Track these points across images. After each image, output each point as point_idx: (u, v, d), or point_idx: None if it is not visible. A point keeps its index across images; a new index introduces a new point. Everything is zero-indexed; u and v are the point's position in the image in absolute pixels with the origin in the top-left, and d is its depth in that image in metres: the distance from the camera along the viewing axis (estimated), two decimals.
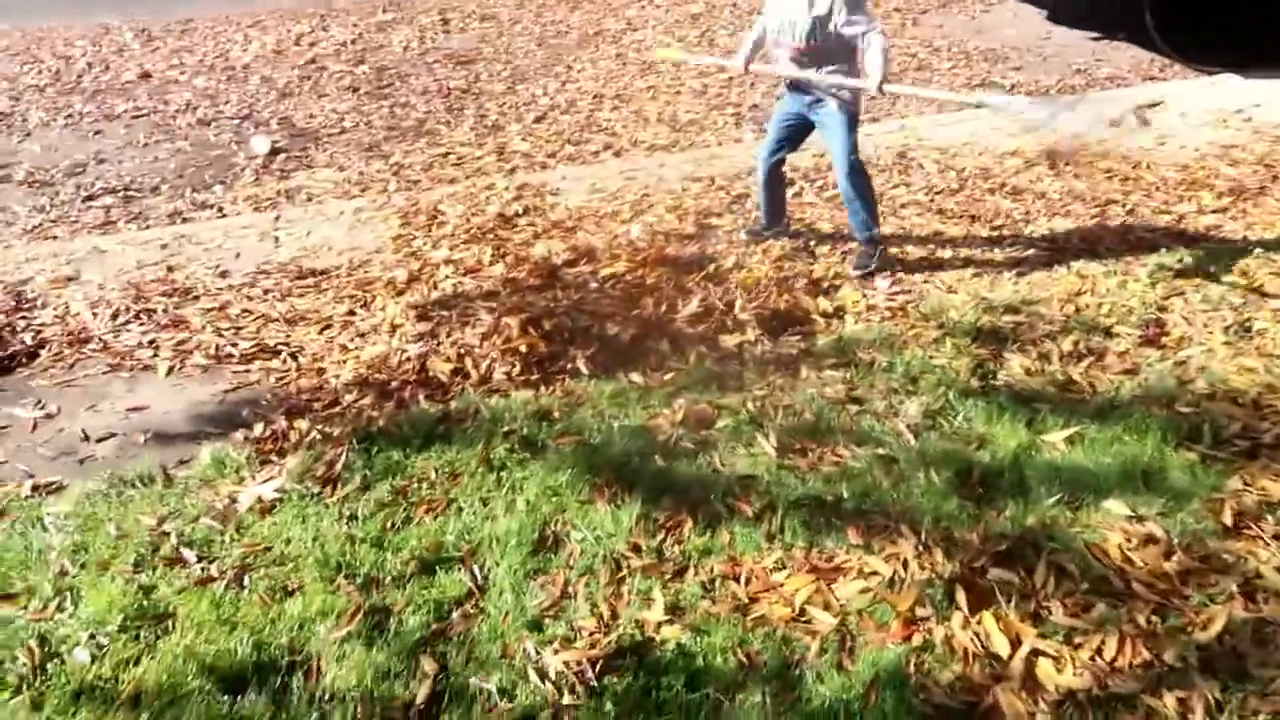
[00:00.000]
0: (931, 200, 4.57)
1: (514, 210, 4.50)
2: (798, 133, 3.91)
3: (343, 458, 2.76)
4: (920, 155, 5.10)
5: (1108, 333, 3.37)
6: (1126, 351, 3.27)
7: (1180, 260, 3.88)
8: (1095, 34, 7.41)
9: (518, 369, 3.23)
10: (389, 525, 2.52)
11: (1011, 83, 6.53)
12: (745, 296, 3.63)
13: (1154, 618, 2.16)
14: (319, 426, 2.97)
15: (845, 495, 2.58)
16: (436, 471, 2.74)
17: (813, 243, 4.14)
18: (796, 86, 3.73)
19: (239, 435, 3.00)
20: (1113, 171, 4.85)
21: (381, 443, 2.85)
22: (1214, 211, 4.40)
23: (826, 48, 3.52)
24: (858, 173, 3.78)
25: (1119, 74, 6.70)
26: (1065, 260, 3.95)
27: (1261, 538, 2.40)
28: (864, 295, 3.69)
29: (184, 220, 4.77)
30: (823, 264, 3.95)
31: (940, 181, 4.76)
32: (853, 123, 3.70)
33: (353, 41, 7.39)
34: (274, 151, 5.54)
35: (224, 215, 4.81)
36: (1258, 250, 3.94)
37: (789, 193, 4.62)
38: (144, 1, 8.31)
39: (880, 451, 2.77)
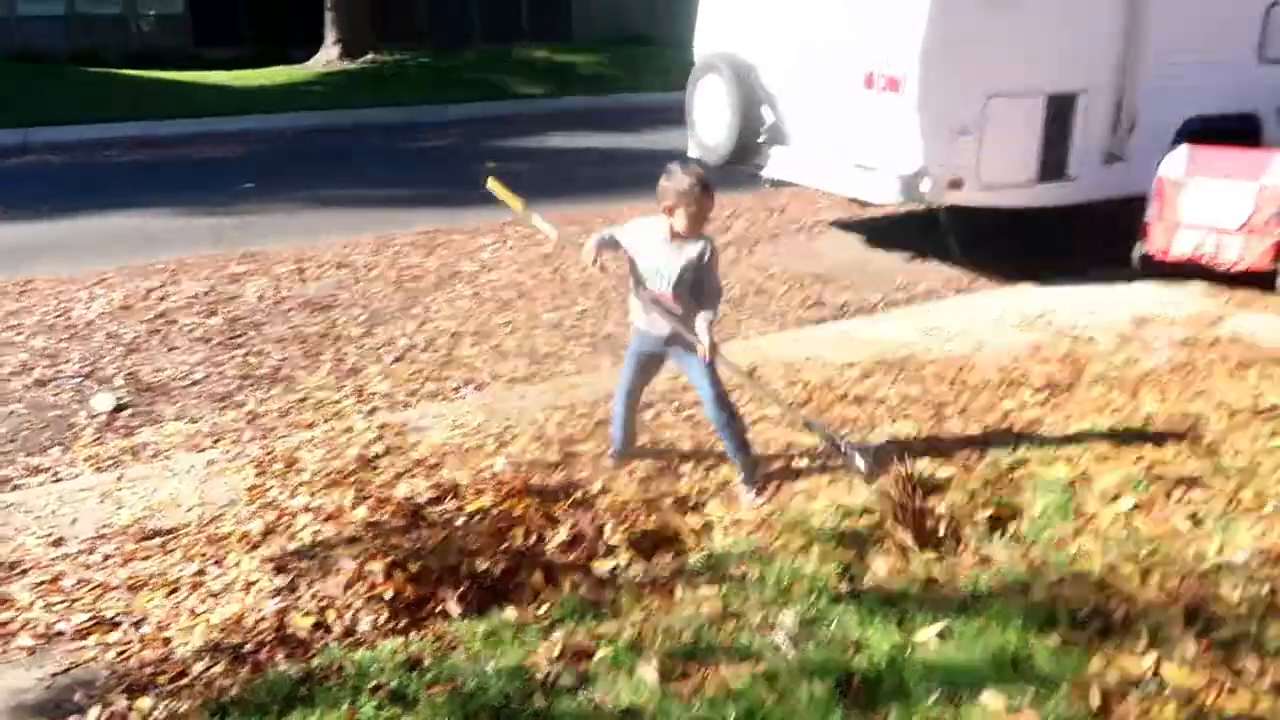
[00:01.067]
0: (782, 414, 4.81)
1: (375, 451, 4.45)
2: (655, 367, 4.12)
3: None
4: (769, 371, 5.40)
5: (959, 528, 3.53)
6: (979, 546, 3.43)
7: (1013, 451, 4.17)
8: (909, 254, 8.22)
9: (384, 616, 3.10)
10: None
11: (843, 300, 7.10)
12: (614, 520, 3.66)
13: None
14: (164, 703, 2.73)
15: (732, 718, 2.52)
16: None
17: (676, 462, 4.25)
18: (654, 325, 3.92)
19: None
20: (941, 375, 5.25)
21: (235, 715, 2.63)
22: (1035, 405, 4.80)
23: (688, 294, 3.78)
24: (724, 402, 3.97)
25: (934, 289, 7.40)
26: (910, 459, 4.17)
27: (1129, 717, 2.47)
28: (728, 511, 3.77)
29: (14, 488, 4.48)
30: (687, 482, 4.04)
31: (788, 394, 5.02)
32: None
33: (205, 293, 7.38)
34: (118, 408, 5.35)
35: (59, 480, 4.54)
36: (1077, 438, 4.29)
37: (648, 414, 4.79)
38: None
39: (761, 667, 2.75)
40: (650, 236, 3.82)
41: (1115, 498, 3.68)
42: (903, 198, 6.93)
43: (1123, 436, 4.31)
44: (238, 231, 9.34)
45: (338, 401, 5.38)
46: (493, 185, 4.13)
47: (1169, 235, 6.92)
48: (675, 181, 3.70)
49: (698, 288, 3.79)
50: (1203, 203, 6.73)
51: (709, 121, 8.26)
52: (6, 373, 5.88)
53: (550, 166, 12.72)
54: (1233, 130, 7.45)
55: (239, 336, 6.48)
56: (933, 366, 5.41)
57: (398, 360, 6.03)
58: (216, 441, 4.90)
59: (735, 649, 2.86)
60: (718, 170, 8.45)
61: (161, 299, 7.25)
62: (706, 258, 3.76)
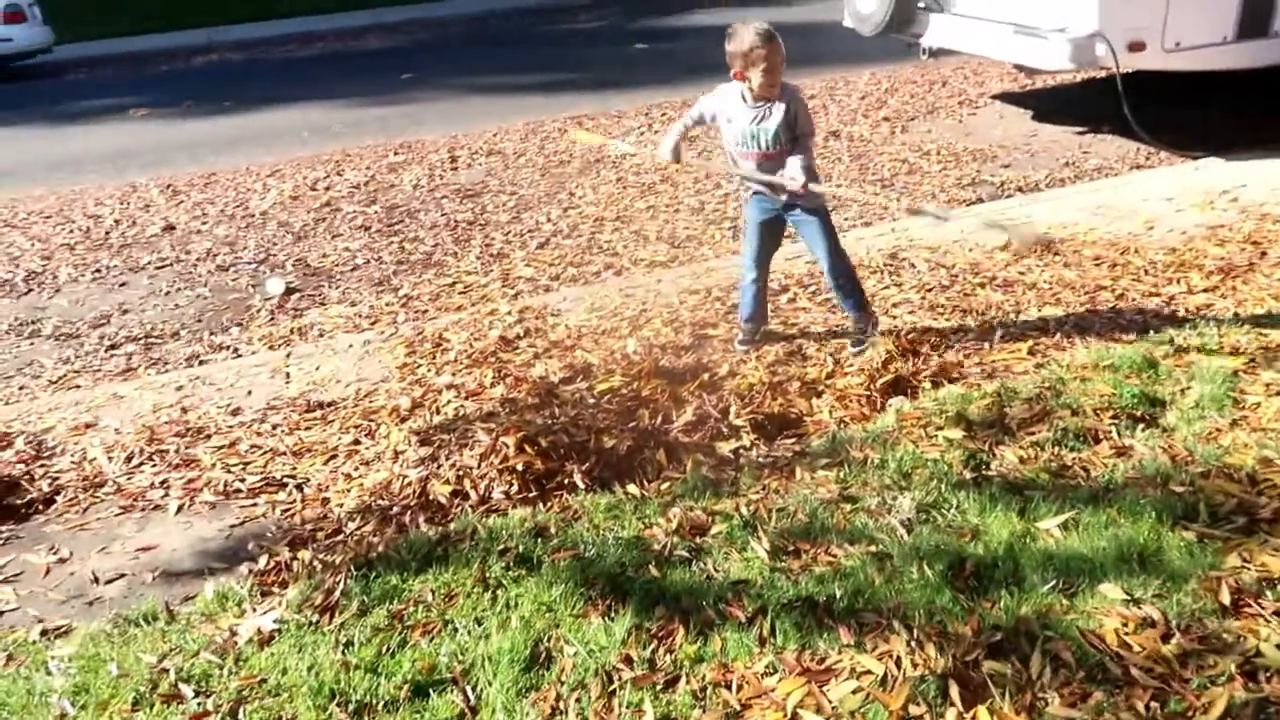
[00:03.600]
0: (924, 298, 4.66)
1: (515, 333, 4.64)
2: (777, 232, 4.08)
3: (340, 585, 2.80)
4: (911, 255, 5.22)
5: (1100, 417, 3.38)
6: (1119, 434, 3.27)
7: (1170, 340, 3.90)
8: (1080, 128, 7.62)
9: (515, 487, 3.29)
10: (384, 650, 2.54)
11: (1001, 179, 6.70)
12: (739, 403, 3.70)
13: (1153, 703, 2.12)
14: (320, 556, 3.03)
15: (838, 595, 2.57)
16: (433, 593, 2.77)
17: (805, 346, 4.22)
18: (760, 190, 3.90)
19: (244, 569, 3.05)
20: (1101, 258, 4.93)
21: (380, 568, 2.89)
22: (1204, 290, 4.45)
23: (785, 148, 3.73)
24: (841, 260, 3.98)
25: (1106, 164, 6.86)
26: (1055, 348, 3.99)
27: (1261, 615, 2.36)
28: (857, 394, 3.74)
29: (201, 363, 4.95)
30: (815, 367, 4.02)
31: (931, 279, 4.85)
32: (827, 219, 3.87)
33: (366, 183, 7.74)
34: (288, 291, 5.77)
35: (239, 355, 4.99)
36: (1247, 325, 3.96)
37: (784, 298, 4.75)
38: (173, 161, 8.79)
39: (873, 549, 2.77)
40: (735, 102, 3.77)
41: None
42: (1075, 64, 6.39)
43: None
44: (401, 121, 9.69)
45: (484, 285, 5.60)
46: (576, 135, 4.18)
47: None
48: (737, 43, 3.61)
49: (791, 140, 3.75)
50: None
51: None
52: (194, 259, 6.42)
53: (701, 44, 12.38)
54: None
55: (396, 224, 6.80)
56: (1094, 248, 5.07)
57: (542, 246, 6.18)
58: (374, 323, 5.23)
59: (849, 531, 2.88)
60: (874, 40, 8.04)
61: (327, 189, 7.66)
62: (796, 113, 3.70)
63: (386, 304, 5.49)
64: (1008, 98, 8.74)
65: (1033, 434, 3.29)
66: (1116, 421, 3.33)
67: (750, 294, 4.23)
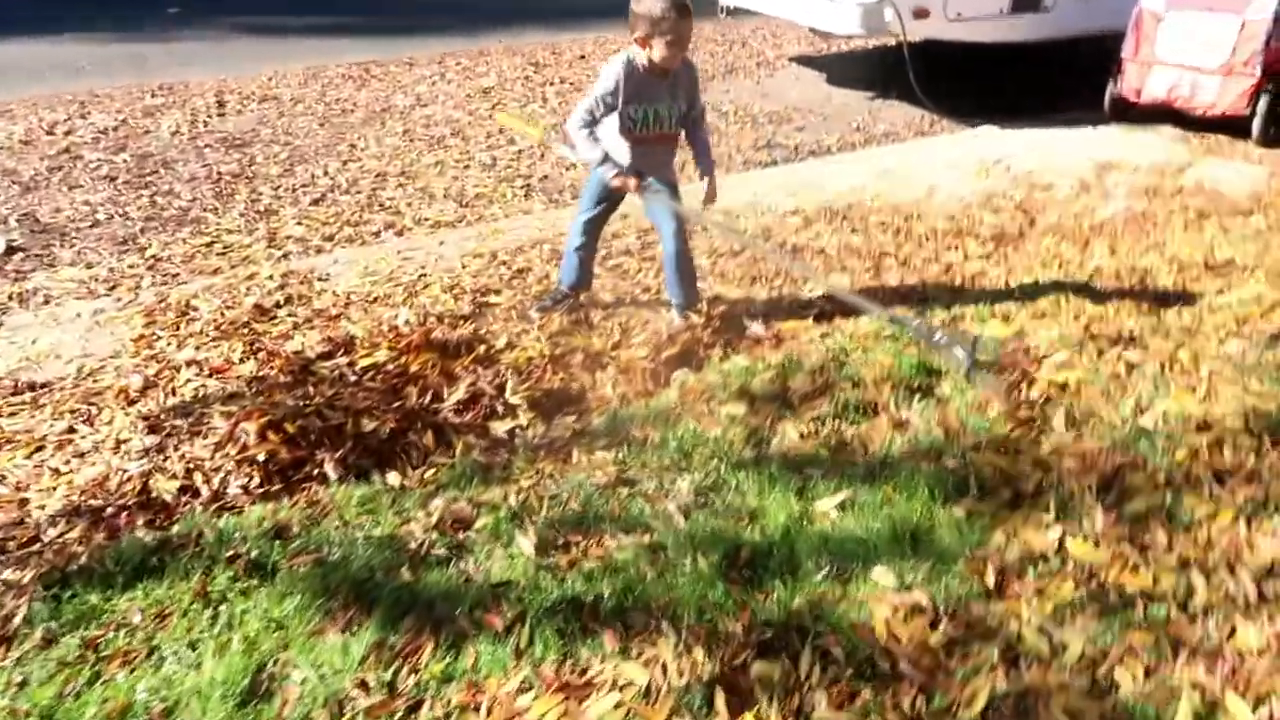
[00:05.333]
0: (714, 264, 4.54)
1: (275, 301, 4.17)
2: (617, 204, 3.83)
3: (23, 609, 2.35)
4: (705, 218, 5.08)
5: (879, 388, 3.34)
6: (896, 406, 3.24)
7: (949, 307, 3.94)
8: (871, 94, 7.76)
9: (256, 480, 2.90)
10: (68, 690, 2.13)
11: (795, 143, 6.70)
12: (517, 378, 3.43)
13: (920, 699, 2.04)
14: (6, 571, 2.54)
15: (606, 594, 2.37)
16: (142, 613, 2.37)
17: (592, 313, 4.00)
18: (654, 169, 3.60)
19: None
20: (886, 224, 4.97)
21: (78, 585, 2.45)
22: (980, 258, 4.55)
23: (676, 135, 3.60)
24: (684, 236, 3.75)
25: (894, 130, 7.01)
26: (840, 317, 3.95)
27: (1023, 596, 2.34)
28: (641, 367, 3.55)
29: None
30: (601, 337, 3.80)
31: (723, 245, 4.73)
32: (677, 193, 3.71)
33: (115, 128, 6.87)
34: (9, 251, 4.99)
35: None
36: (1017, 293, 4.06)
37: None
38: None
39: (647, 539, 2.59)
40: (636, 78, 3.43)
41: (1045, 358, 3.48)
42: (864, 29, 6.46)
43: (1066, 291, 4.09)
44: (160, 60, 8.70)
45: (248, 246, 5.05)
46: (505, 119, 4.04)
47: (1143, 75, 6.51)
48: (646, 6, 3.26)
49: (687, 118, 3.58)
50: (1181, 38, 6.29)
51: None
52: None
53: None
54: None
55: (148, 175, 6.05)
56: (879, 215, 5.11)
57: (316, 202, 5.65)
58: (113, 288, 4.59)
59: (624, 519, 2.70)
60: None
61: (67, 134, 6.75)
62: (694, 82, 3.54)
63: (130, 266, 4.84)
64: (805, 61, 8.81)
65: (814, 408, 3.21)
66: (895, 393, 3.31)
67: (576, 255, 3.89)
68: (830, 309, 4.00)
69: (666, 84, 3.46)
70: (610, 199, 3.78)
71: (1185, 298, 4.00)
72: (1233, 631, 2.22)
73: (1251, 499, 2.69)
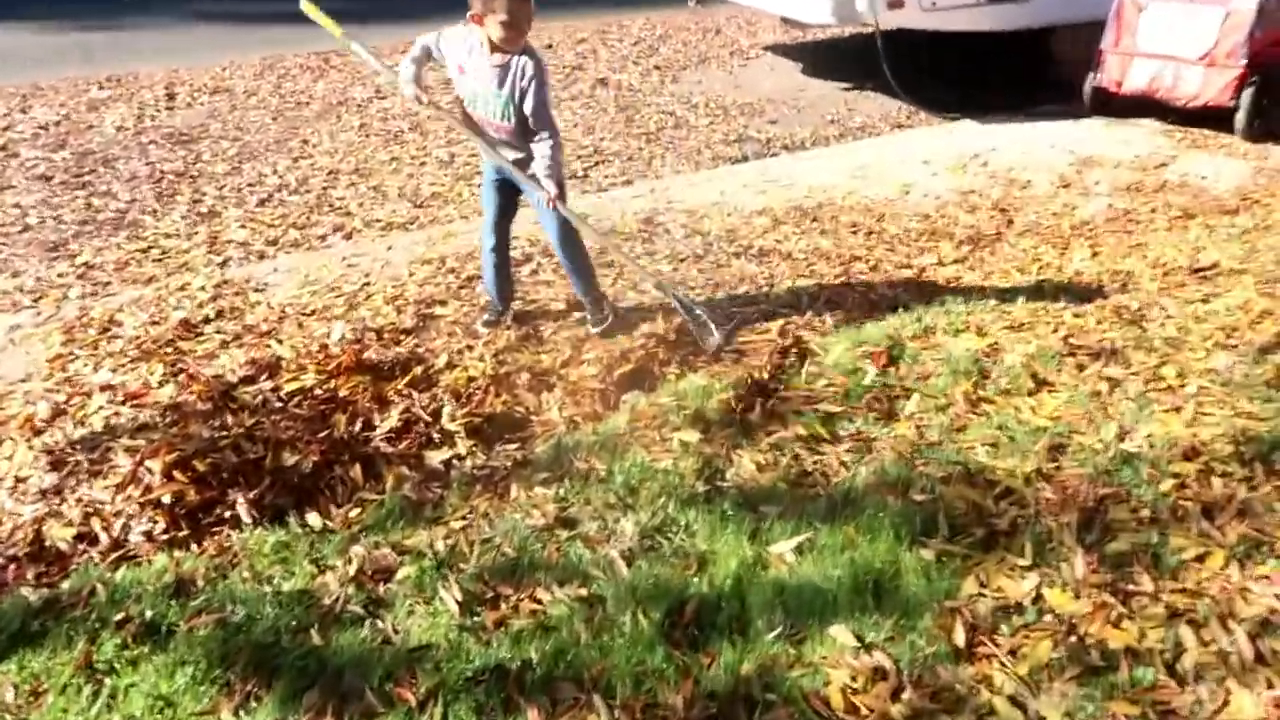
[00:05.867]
0: (675, 269, 4.30)
1: (204, 315, 3.90)
2: (512, 197, 3.56)
3: None
4: (668, 219, 4.85)
5: (844, 408, 3.11)
6: (861, 428, 3.02)
7: (919, 318, 3.72)
8: (847, 84, 7.51)
9: (160, 526, 2.64)
10: None
11: (767, 136, 6.45)
12: (455, 402, 3.18)
13: None
14: None
15: (534, 659, 2.14)
16: (15, 690, 2.12)
17: (543, 327, 3.76)
18: (491, 154, 3.37)
19: None
20: (857, 225, 4.74)
21: None
22: (954, 262, 4.33)
23: (519, 126, 3.21)
24: (572, 240, 3.53)
25: (870, 123, 6.76)
26: (805, 327, 3.72)
27: (996, 656, 2.12)
28: (591, 388, 3.31)
29: None
30: (550, 354, 3.56)
31: (685, 248, 4.50)
32: (563, 191, 3.39)
33: (57, 123, 6.55)
34: None
35: None
36: (993, 301, 3.84)
37: (525, 269, 4.26)
38: None
39: (584, 591, 2.36)
40: (468, 50, 3.20)
41: (1022, 374, 3.26)
42: (837, 18, 6.21)
43: (1044, 298, 3.88)
44: (111, 50, 8.36)
45: (186, 251, 4.77)
46: (307, 7, 3.36)
47: (1124, 66, 6.28)
48: None
49: (520, 118, 3.22)
50: (1163, 29, 6.07)
51: None
52: None
53: None
54: None
55: (86, 174, 5.75)
56: (851, 214, 4.88)
57: (263, 203, 5.37)
58: (38, 299, 4.30)
59: (561, 567, 2.46)
60: None
61: (5, 129, 6.43)
62: (529, 81, 3.13)
63: (59, 275, 4.55)
64: (779, 50, 8.55)
65: (773, 433, 2.98)
66: (860, 414, 3.08)
67: (488, 265, 3.70)
68: (796, 320, 3.77)
69: (498, 71, 3.16)
70: (499, 197, 3.54)
71: (1169, 305, 3.78)
72: (1227, 698, 2.01)
73: (1244, 537, 2.47)
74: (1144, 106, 6.30)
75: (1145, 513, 2.59)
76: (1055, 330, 3.59)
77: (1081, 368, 3.33)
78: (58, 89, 7.29)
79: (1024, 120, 6.39)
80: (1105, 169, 5.52)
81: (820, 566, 2.42)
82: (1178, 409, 3.06)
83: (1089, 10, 6.62)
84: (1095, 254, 4.36)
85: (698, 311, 3.58)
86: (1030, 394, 3.18)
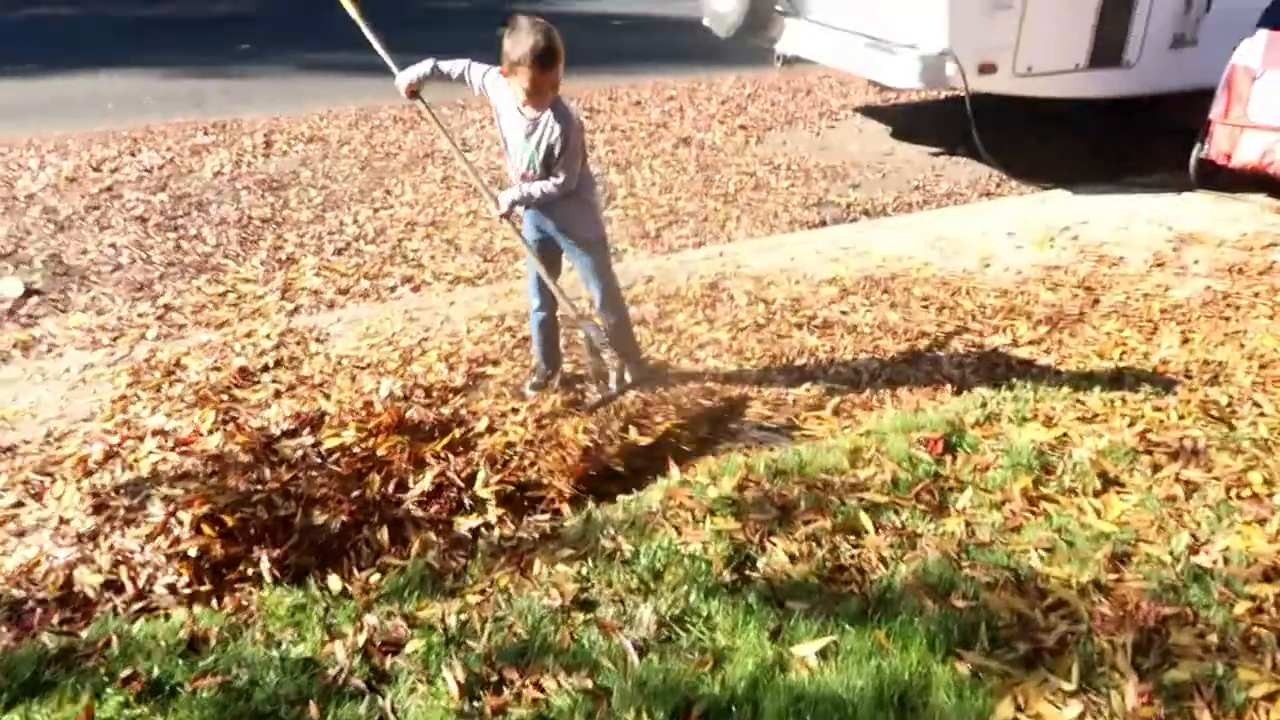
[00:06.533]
0: (734, 339, 4.20)
1: (263, 363, 3.98)
2: (557, 255, 3.55)
3: None
4: (734, 285, 4.76)
5: (890, 498, 2.95)
6: (907, 522, 2.85)
7: (983, 403, 3.53)
8: (936, 149, 7.34)
9: (185, 579, 2.66)
10: None
11: (848, 201, 6.33)
12: (490, 468, 3.14)
13: None
14: None
15: None
16: None
17: (590, 392, 3.70)
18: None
19: None
20: (930, 299, 4.56)
21: None
22: (1029, 343, 4.12)
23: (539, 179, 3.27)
24: (615, 302, 3.56)
25: (957, 190, 6.58)
26: (862, 407, 3.57)
27: None
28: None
29: None
30: (597, 421, 3.49)
31: (747, 316, 4.39)
32: (600, 244, 3.43)
33: (160, 167, 6.87)
34: (26, 294, 4.94)
35: None
36: (1066, 390, 3.62)
37: (580, 331, 4.22)
38: None
39: (590, 683, 2.26)
40: (507, 95, 3.21)
41: (1090, 473, 3.04)
42: (924, 83, 6.06)
43: (1123, 387, 3.64)
44: (221, 97, 8.77)
45: (260, 297, 4.90)
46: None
47: (1234, 137, 5.96)
48: (510, 43, 3.04)
49: (546, 171, 3.23)
50: (1278, 99, 5.73)
51: None
52: None
53: (575, 33, 11.76)
54: None
55: (179, 217, 5.99)
56: (924, 287, 4.71)
57: (340, 252, 5.50)
58: (117, 338, 4.47)
59: (572, 653, 2.37)
60: (731, 43, 7.57)
61: (113, 171, 6.77)
62: (557, 138, 3.13)
63: (139, 315, 4.72)
64: (870, 111, 8.43)
65: (811, 522, 2.83)
66: (907, 505, 2.91)
67: (535, 326, 3.69)
68: (853, 399, 3.62)
69: (527, 124, 3.16)
70: (541, 253, 3.51)
71: (1264, 403, 3.50)
72: None
73: None
74: (1254, 181, 5.96)
75: (1212, 639, 2.36)
76: (1132, 424, 3.36)
77: (1157, 468, 3.10)
78: (167, 133, 7.66)
79: (1121, 192, 6.12)
80: (1206, 247, 5.22)
81: (844, 674, 2.26)
82: (1262, 521, 2.80)
83: (1197, 78, 6.32)
84: (1186, 341, 4.10)
85: (606, 357, 3.51)
86: (1096, 495, 2.96)
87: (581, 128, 3.23)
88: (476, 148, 7.43)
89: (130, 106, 8.44)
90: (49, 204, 6.17)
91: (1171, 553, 2.68)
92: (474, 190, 6.46)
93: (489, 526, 2.95)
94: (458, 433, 3.32)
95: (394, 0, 13.58)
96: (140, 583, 2.65)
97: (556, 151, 3.14)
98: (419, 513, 2.97)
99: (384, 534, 2.86)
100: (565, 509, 3.01)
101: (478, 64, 3.34)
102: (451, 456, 3.19)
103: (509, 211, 3.30)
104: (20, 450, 3.40)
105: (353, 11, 3.42)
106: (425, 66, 3.33)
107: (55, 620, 2.55)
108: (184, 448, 3.31)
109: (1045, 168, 6.61)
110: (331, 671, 2.33)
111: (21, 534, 2.93)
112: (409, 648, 2.40)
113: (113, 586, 2.65)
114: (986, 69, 6.01)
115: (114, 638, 2.42)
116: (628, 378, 3.58)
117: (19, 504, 3.08)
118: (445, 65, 3.34)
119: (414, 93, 3.37)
